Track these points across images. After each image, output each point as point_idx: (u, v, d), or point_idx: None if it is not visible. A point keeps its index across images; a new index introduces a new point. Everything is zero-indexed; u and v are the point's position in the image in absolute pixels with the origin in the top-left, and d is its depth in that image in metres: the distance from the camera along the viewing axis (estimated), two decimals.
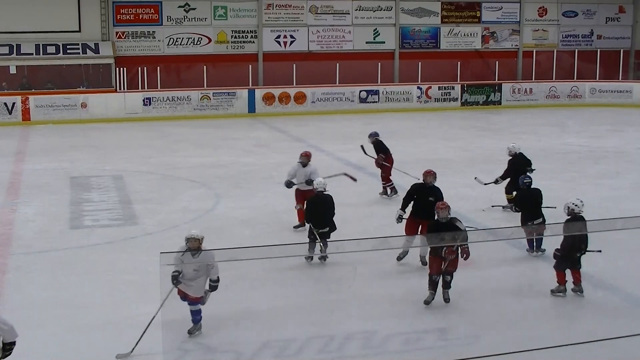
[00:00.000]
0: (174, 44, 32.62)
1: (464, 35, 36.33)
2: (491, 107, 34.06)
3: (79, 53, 30.87)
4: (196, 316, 8.98)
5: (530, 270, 11.53)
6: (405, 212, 11.55)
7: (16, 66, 30.36)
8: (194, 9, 32.69)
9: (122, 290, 10.47)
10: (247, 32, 33.52)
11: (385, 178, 16.66)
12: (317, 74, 32.84)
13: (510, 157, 15.09)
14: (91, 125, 28.42)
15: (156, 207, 15.40)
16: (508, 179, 14.91)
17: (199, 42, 32.93)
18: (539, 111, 33.02)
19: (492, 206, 15.13)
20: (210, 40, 33.08)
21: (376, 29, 35.07)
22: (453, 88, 34.00)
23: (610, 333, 8.77)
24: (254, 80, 32.62)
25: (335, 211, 11.79)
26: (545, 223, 12.05)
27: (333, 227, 11.64)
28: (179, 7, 32.55)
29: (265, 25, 33.60)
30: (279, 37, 33.88)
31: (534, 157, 21.07)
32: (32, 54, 30.34)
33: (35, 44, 30.47)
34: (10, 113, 28.85)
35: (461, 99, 34.07)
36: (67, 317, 9.48)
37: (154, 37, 32.37)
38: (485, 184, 15.49)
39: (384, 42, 35.21)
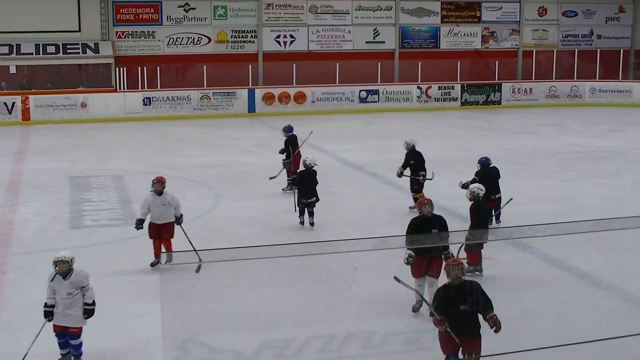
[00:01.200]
0: (174, 44, 32.62)
1: (464, 35, 36.33)
2: (491, 107, 34.07)
3: (78, 53, 30.87)
4: (77, 351, 8.30)
5: (530, 270, 11.53)
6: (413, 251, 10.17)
7: (16, 66, 30.36)
8: (193, 8, 32.69)
9: (122, 290, 10.47)
10: (247, 31, 33.52)
11: (290, 173, 16.44)
12: (317, 73, 32.84)
13: (407, 152, 15.23)
14: (91, 125, 28.43)
15: None
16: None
17: (198, 42, 32.93)
18: (538, 111, 33.02)
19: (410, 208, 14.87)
20: (210, 40, 33.08)
21: (376, 28, 35.07)
22: (453, 88, 34.00)
23: (610, 333, 8.76)
24: (253, 80, 32.62)
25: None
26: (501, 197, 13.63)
27: (317, 197, 13.72)
28: (179, 6, 32.55)
29: (265, 25, 33.61)
30: (278, 36, 33.88)
31: (533, 156, 21.20)
32: (32, 53, 30.34)
33: (35, 44, 30.47)
34: (10, 113, 28.86)
35: (461, 99, 34.07)
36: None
37: (154, 37, 32.37)
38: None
39: (383, 42, 35.21)
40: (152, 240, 11.43)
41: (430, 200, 10.10)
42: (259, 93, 31.84)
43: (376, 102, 33.05)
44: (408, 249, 9.61)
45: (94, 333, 8.93)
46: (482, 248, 11.07)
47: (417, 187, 15.02)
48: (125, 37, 31.99)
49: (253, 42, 33.64)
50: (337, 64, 32.89)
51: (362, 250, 11.37)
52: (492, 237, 12.72)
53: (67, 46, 30.79)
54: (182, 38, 32.71)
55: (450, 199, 15.65)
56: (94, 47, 31.12)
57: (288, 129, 17.24)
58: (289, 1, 33.81)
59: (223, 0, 33.02)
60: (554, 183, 17.62)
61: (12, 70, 30.32)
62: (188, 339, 8.74)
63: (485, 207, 11.50)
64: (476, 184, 11.63)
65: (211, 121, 29.72)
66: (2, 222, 14.30)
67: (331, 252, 10.96)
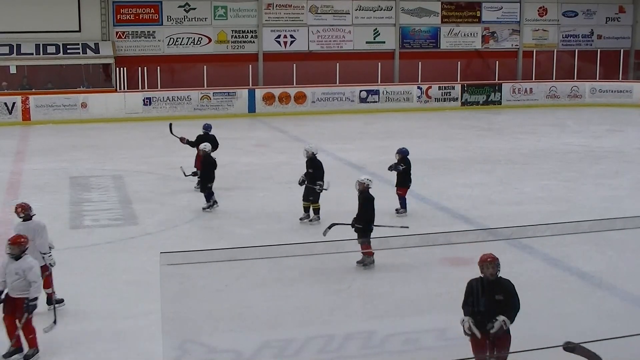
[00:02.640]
0: (174, 44, 32.63)
1: (464, 35, 36.34)
2: (491, 107, 34.08)
3: (79, 53, 30.89)
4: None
5: (529, 270, 11.52)
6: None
7: (16, 66, 30.38)
8: (194, 8, 32.70)
9: (122, 290, 10.47)
10: (247, 32, 33.53)
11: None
12: (317, 73, 32.85)
13: (307, 159, 14.33)
14: (91, 125, 28.43)
15: (156, 207, 15.41)
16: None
17: (199, 42, 32.94)
18: (539, 111, 33.03)
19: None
20: (210, 40, 33.09)
21: (376, 28, 35.08)
22: (453, 88, 34.00)
23: (610, 333, 8.75)
24: (254, 80, 32.62)
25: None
26: None
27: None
28: (179, 7, 32.57)
29: (265, 25, 33.61)
30: (279, 37, 33.89)
31: (533, 157, 21.20)
32: (32, 54, 30.36)
33: (36, 44, 30.49)
34: (10, 113, 28.87)
35: (461, 99, 34.08)
36: (67, 317, 9.47)
37: (154, 37, 32.38)
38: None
39: (384, 42, 35.22)
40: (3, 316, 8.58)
41: (495, 259, 7.72)
42: (259, 93, 31.85)
43: (376, 102, 33.05)
44: (465, 316, 7.73)
45: (94, 333, 8.94)
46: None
47: (312, 197, 14.12)
48: (125, 37, 32.01)
49: (253, 42, 33.64)
50: (338, 64, 32.91)
51: (363, 251, 11.40)
52: (492, 237, 12.71)
53: (68, 46, 30.82)
54: (183, 38, 32.72)
55: (452, 200, 15.67)
56: (94, 47, 31.13)
57: (207, 127, 17.63)
58: (289, 1, 33.82)
59: (223, 0, 33.03)
60: (554, 183, 17.63)
61: (13, 70, 30.34)
62: (188, 339, 8.73)
63: (373, 198, 11.67)
64: (365, 176, 11.97)
65: (211, 121, 29.62)
66: (1, 222, 14.29)
67: (331, 252, 10.98)
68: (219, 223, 14.19)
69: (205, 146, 15.33)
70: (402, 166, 14.52)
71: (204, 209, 14.86)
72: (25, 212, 9.83)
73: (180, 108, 30.71)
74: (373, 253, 11.20)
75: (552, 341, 8.59)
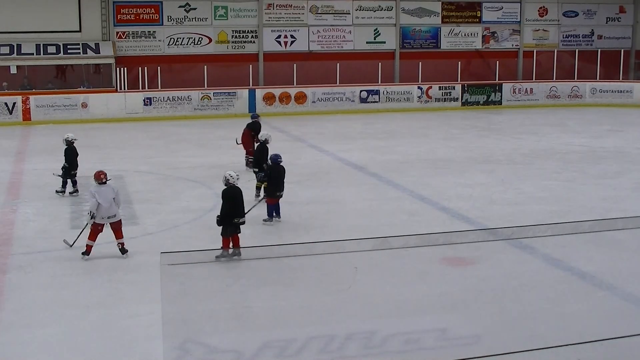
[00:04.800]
0: (175, 44, 32.65)
1: (465, 35, 36.35)
2: (492, 107, 34.09)
3: (79, 53, 30.90)
4: None
5: (530, 270, 11.52)
6: None
7: (17, 66, 30.41)
8: (194, 9, 32.71)
9: (122, 290, 10.48)
10: (248, 32, 33.54)
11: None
12: (318, 74, 32.88)
13: (66, 146, 16.57)
14: (91, 125, 28.44)
15: (156, 207, 15.41)
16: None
17: (199, 42, 32.95)
18: (539, 111, 33.03)
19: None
20: (210, 40, 33.10)
21: (377, 29, 35.09)
22: (453, 88, 34.01)
23: (611, 333, 8.76)
24: (254, 80, 32.63)
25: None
26: None
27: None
28: (180, 7, 32.58)
29: (265, 25, 33.62)
30: (279, 37, 33.90)
31: (534, 157, 21.20)
32: (32, 54, 30.38)
33: (36, 44, 30.51)
34: (10, 113, 28.89)
35: (462, 99, 34.09)
36: (67, 317, 9.49)
37: (155, 37, 32.40)
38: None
39: (384, 42, 35.23)
40: None
41: None
42: (259, 93, 31.86)
43: (377, 102, 33.06)
44: None
45: (95, 333, 8.94)
46: (238, 231, 11.63)
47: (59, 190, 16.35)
48: (125, 37, 32.02)
49: (254, 42, 33.66)
50: (338, 64, 32.93)
51: (363, 251, 11.39)
52: (492, 237, 12.72)
53: (68, 46, 30.83)
54: (183, 38, 32.73)
55: (452, 200, 15.67)
56: (94, 47, 31.14)
57: (255, 116, 20.11)
58: (289, 1, 33.84)
59: (224, 0, 33.05)
60: (555, 183, 17.62)
61: (13, 70, 30.37)
62: (189, 339, 8.73)
63: (230, 193, 11.78)
64: (229, 171, 12.07)
65: (212, 121, 29.74)
66: (2, 222, 14.30)
67: (332, 252, 10.98)
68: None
69: (264, 135, 16.84)
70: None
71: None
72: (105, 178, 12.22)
73: (180, 108, 30.73)
74: (229, 247, 11.49)
75: (552, 342, 8.60)
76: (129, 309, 9.67)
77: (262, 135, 16.95)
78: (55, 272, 11.36)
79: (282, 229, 13.73)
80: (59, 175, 16.61)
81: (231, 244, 11.58)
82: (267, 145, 16.38)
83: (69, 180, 16.55)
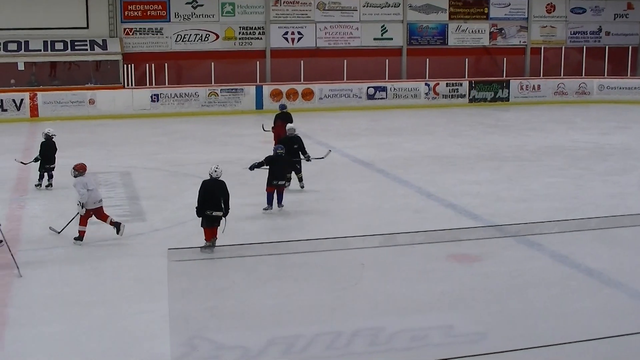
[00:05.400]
0: (182, 41, 32.67)
1: (472, 31, 36.27)
2: (499, 104, 34.02)
3: (86, 50, 30.95)
4: None
5: (537, 267, 11.51)
6: None
7: (24, 63, 30.47)
8: (201, 5, 32.72)
9: (129, 286, 10.49)
10: (255, 28, 33.54)
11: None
12: (325, 70, 32.87)
13: (44, 140, 17.07)
14: (99, 122, 28.50)
15: (163, 204, 15.43)
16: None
17: (206, 39, 32.97)
18: (546, 108, 32.95)
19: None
20: (217, 36, 33.11)
21: (384, 25, 35.04)
22: (461, 85, 33.96)
23: (618, 330, 8.75)
24: (261, 76, 32.64)
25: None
26: None
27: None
28: (187, 3, 32.59)
29: (272, 21, 33.62)
30: (286, 33, 33.89)
31: (541, 153, 21.15)
32: (40, 50, 30.46)
33: (44, 41, 30.59)
34: (18, 109, 28.96)
35: (469, 96, 34.03)
36: (73, 313, 9.50)
37: (162, 34, 32.42)
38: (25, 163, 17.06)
39: (391, 39, 35.18)
40: None
41: None
42: (266, 90, 31.87)
43: (384, 98, 33.03)
44: None
45: (101, 330, 8.96)
46: (217, 225, 11.64)
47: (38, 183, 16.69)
48: (133, 34, 32.06)
49: (261, 38, 33.65)
50: (345, 60, 32.92)
51: (369, 247, 11.40)
52: (499, 234, 12.72)
53: (75, 43, 30.89)
54: (190, 35, 32.75)
55: (458, 197, 15.65)
56: (101, 44, 31.19)
57: (282, 107, 20.30)
58: None
59: None
60: (562, 180, 17.59)
61: (21, 67, 30.44)
62: (195, 335, 8.75)
63: (205, 185, 11.80)
64: (216, 164, 12.12)
65: (219, 118, 29.75)
66: (10, 218, 14.34)
67: (338, 248, 10.99)
68: (225, 219, 14.18)
69: (290, 128, 16.90)
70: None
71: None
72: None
73: (187, 105, 30.75)
74: (210, 239, 11.59)
75: (559, 339, 8.59)
76: (136, 306, 9.68)
77: (289, 128, 17.02)
78: (62, 269, 11.39)
79: (288, 225, 13.73)
80: (21, 162, 17.30)
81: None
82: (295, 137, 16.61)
83: (45, 174, 16.81)
